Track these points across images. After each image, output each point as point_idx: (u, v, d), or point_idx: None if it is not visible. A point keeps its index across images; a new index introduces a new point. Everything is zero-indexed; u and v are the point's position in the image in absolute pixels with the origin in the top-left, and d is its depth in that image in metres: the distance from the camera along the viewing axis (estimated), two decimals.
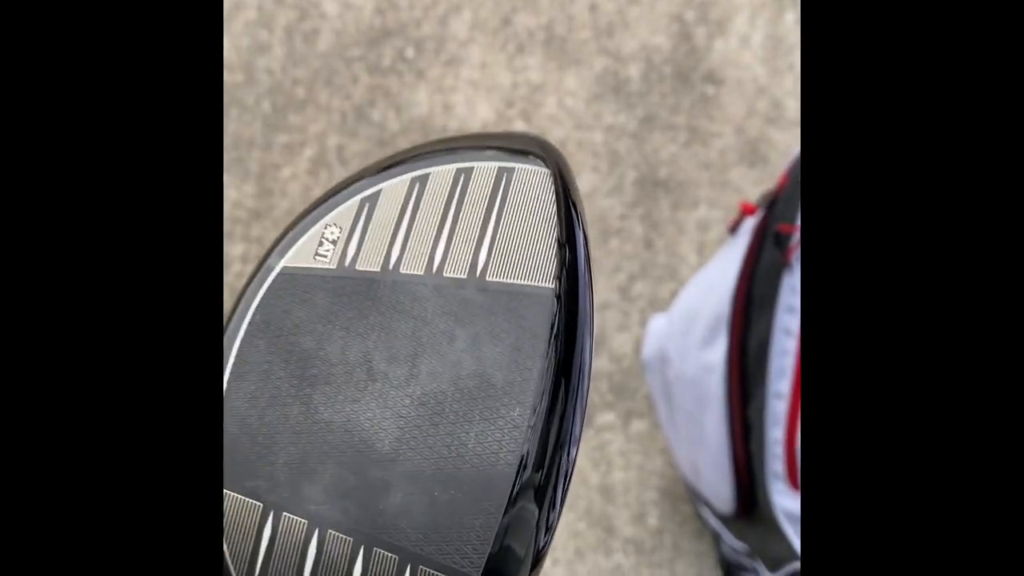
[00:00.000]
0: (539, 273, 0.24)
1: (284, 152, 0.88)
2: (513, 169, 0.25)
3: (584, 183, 0.84)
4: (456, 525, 0.22)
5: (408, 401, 0.23)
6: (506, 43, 0.89)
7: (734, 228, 0.58)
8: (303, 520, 0.23)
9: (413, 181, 0.26)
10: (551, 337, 0.23)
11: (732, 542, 0.64)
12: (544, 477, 0.22)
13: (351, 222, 0.25)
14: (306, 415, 0.23)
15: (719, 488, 0.59)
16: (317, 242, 0.25)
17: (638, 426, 0.78)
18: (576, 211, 0.25)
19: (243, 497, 0.23)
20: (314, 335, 0.24)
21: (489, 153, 0.26)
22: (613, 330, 0.80)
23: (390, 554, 0.22)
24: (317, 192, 0.26)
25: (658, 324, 0.66)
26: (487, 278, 0.24)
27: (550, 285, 0.24)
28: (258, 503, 0.23)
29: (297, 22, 0.91)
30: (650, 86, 0.86)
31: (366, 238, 0.25)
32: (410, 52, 0.90)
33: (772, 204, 0.53)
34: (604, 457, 0.78)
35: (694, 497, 0.70)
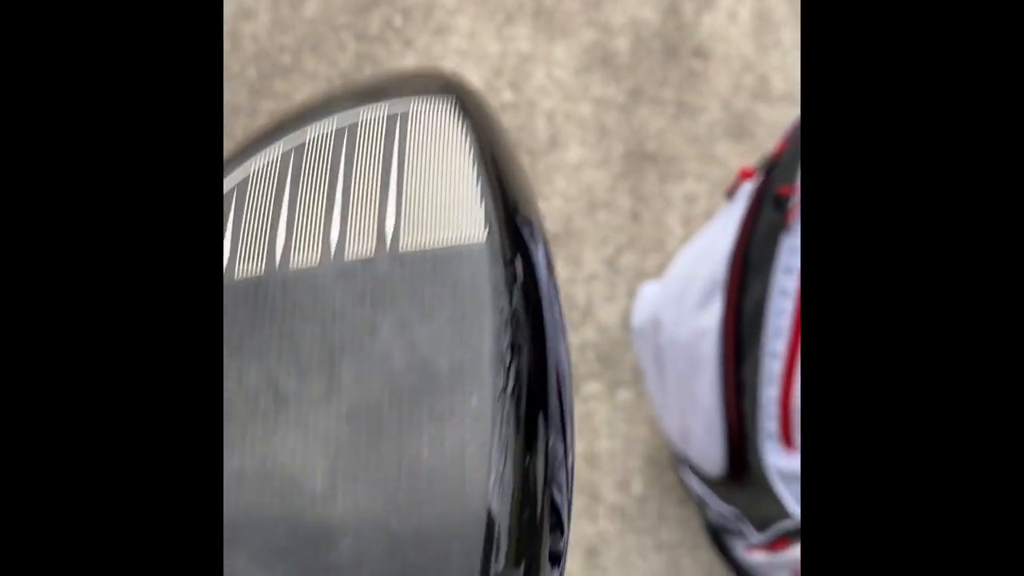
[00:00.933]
0: (463, 226, 0.20)
1: (270, 119, 0.87)
2: (407, 113, 0.21)
3: (572, 155, 0.85)
4: (428, 561, 0.17)
5: (334, 420, 0.18)
6: (495, 12, 0.89)
7: (731, 193, 0.59)
8: None
9: (286, 155, 0.21)
10: (494, 298, 0.19)
11: (718, 506, 0.66)
12: (535, 468, 0.18)
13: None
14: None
15: (710, 450, 0.60)
16: None
17: (624, 395, 0.79)
18: (496, 141, 0.21)
19: None
20: None
21: (374, 104, 0.21)
22: (600, 301, 0.81)
23: None
24: None
25: (651, 290, 0.67)
26: (400, 248, 0.20)
27: (480, 239, 0.20)
28: None
29: None
30: (638, 59, 0.87)
31: (240, 236, 0.20)
32: (398, 20, 0.90)
33: (771, 168, 0.54)
34: (590, 426, 0.79)
35: (679, 464, 0.71)
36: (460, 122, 0.21)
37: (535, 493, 0.18)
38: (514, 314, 0.19)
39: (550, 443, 0.19)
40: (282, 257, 0.20)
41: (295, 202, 0.21)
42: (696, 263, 0.60)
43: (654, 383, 0.67)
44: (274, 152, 0.21)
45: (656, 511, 0.76)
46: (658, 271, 0.80)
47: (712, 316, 0.57)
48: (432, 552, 0.17)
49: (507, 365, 0.19)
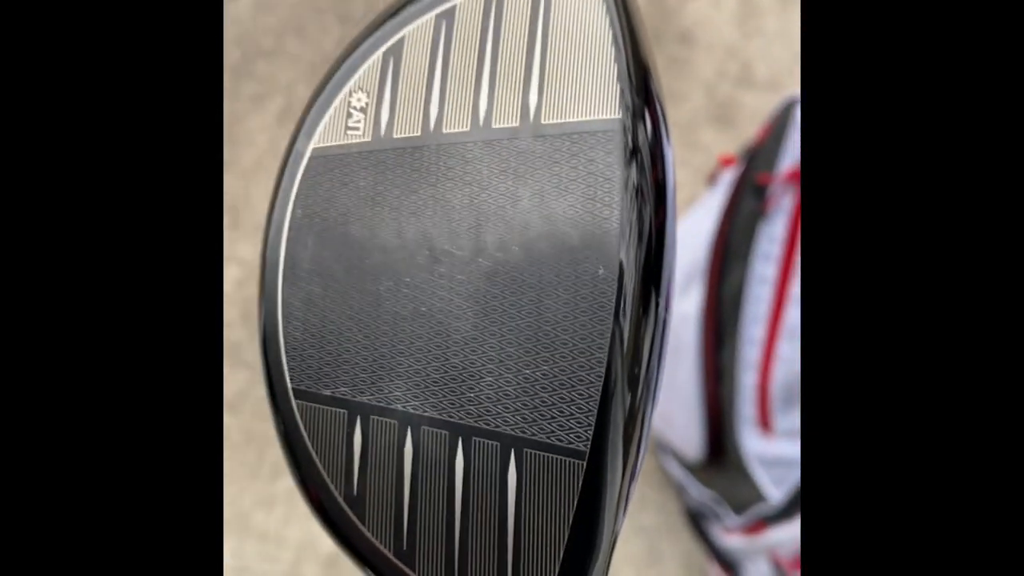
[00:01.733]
0: (601, 104, 0.21)
1: (252, 102, 0.86)
2: None
3: None
4: (555, 401, 0.21)
5: (479, 278, 0.21)
6: None
7: (712, 180, 0.59)
8: (392, 421, 0.21)
9: (439, 19, 0.22)
10: (629, 158, 0.20)
11: (697, 491, 0.66)
12: (644, 323, 0.20)
13: (377, 83, 0.22)
14: (373, 310, 0.22)
15: (690, 434, 0.61)
16: (345, 113, 0.23)
17: None
18: (633, 25, 0.22)
19: (326, 407, 0.22)
20: (364, 221, 0.22)
21: None
22: None
23: (490, 441, 0.21)
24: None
25: None
26: (543, 121, 0.21)
27: (616, 116, 0.21)
28: (342, 411, 0.22)
29: None
30: None
31: (398, 99, 0.22)
32: (381, 3, 0.89)
33: (752, 156, 0.54)
34: None
35: (659, 449, 0.72)
36: (601, 2, 0.22)
37: (644, 354, 0.21)
38: (641, 193, 0.21)
39: (659, 312, 0.21)
40: (436, 122, 0.22)
41: (447, 70, 0.22)
42: (677, 249, 0.60)
43: None
44: (426, 17, 0.23)
45: (636, 496, 0.77)
46: None
47: (692, 302, 0.57)
48: (558, 393, 0.21)
49: (631, 241, 0.20)
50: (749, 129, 0.83)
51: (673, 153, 0.22)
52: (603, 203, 0.21)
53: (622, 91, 0.21)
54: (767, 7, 0.87)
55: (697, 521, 0.70)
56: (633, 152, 0.21)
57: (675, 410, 0.62)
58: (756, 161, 0.54)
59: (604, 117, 0.21)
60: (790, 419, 0.54)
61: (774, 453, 0.55)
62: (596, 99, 0.21)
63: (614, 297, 0.20)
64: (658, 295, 0.21)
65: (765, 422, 0.55)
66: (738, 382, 0.55)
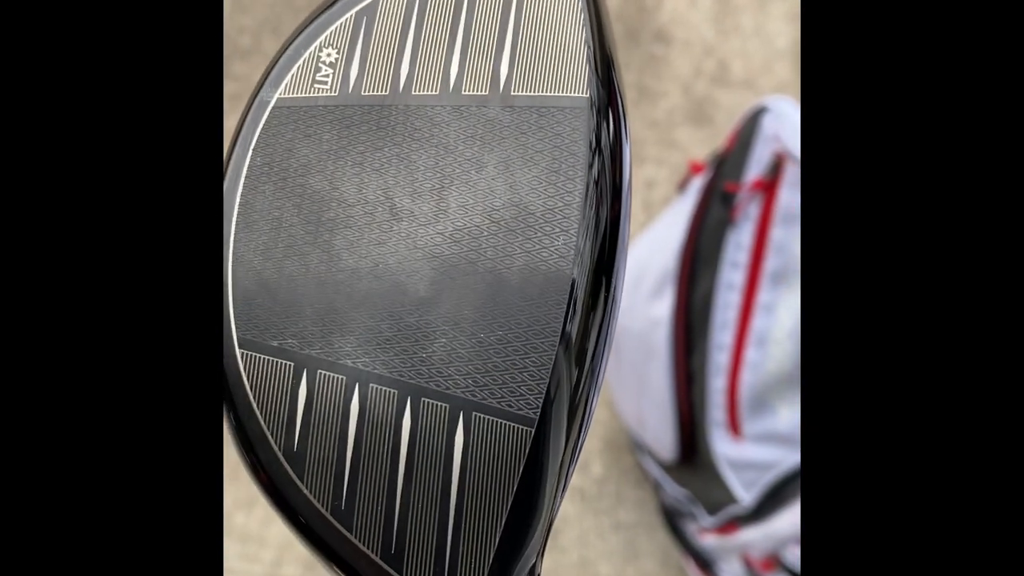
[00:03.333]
0: (570, 81, 0.22)
1: (229, 102, 0.86)
2: None
3: None
4: (508, 367, 0.21)
5: (440, 239, 0.21)
6: None
7: (682, 186, 0.60)
8: (340, 376, 0.21)
9: None
10: (591, 153, 0.21)
11: (673, 489, 0.67)
12: (595, 306, 0.21)
13: (348, 40, 0.22)
14: (328, 263, 0.21)
15: (662, 436, 0.61)
16: (313, 67, 0.22)
17: None
18: (601, 10, 0.23)
19: (271, 358, 0.21)
20: (325, 174, 0.22)
21: None
22: None
23: (440, 403, 0.21)
24: None
25: None
26: (512, 92, 0.22)
27: (584, 94, 0.22)
28: (288, 362, 0.21)
29: None
30: None
31: (368, 57, 0.22)
32: None
33: (720, 164, 0.55)
34: None
35: (637, 447, 0.73)
36: None
37: (592, 337, 0.21)
38: (602, 171, 0.21)
39: (608, 301, 0.21)
40: (405, 83, 0.22)
41: (420, 34, 0.22)
42: (650, 254, 0.60)
43: (611, 369, 0.68)
44: None
45: (614, 493, 0.78)
46: None
47: (664, 307, 0.58)
48: (511, 359, 0.21)
49: (590, 215, 0.21)
50: (725, 127, 0.83)
51: (631, 148, 0.23)
52: (567, 176, 0.21)
53: (590, 73, 0.22)
54: (743, 5, 0.87)
55: (673, 519, 0.71)
56: (597, 150, 0.21)
57: (648, 412, 0.62)
58: (724, 169, 0.54)
59: (572, 95, 0.22)
60: (759, 424, 0.55)
61: (744, 457, 0.56)
62: (565, 76, 0.22)
63: (571, 274, 0.21)
64: (608, 285, 0.21)
65: (734, 426, 0.56)
66: (708, 386, 0.56)
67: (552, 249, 0.21)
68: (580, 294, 0.21)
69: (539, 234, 0.21)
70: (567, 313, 0.21)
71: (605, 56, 0.22)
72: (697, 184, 0.57)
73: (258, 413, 0.21)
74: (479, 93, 0.22)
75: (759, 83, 0.85)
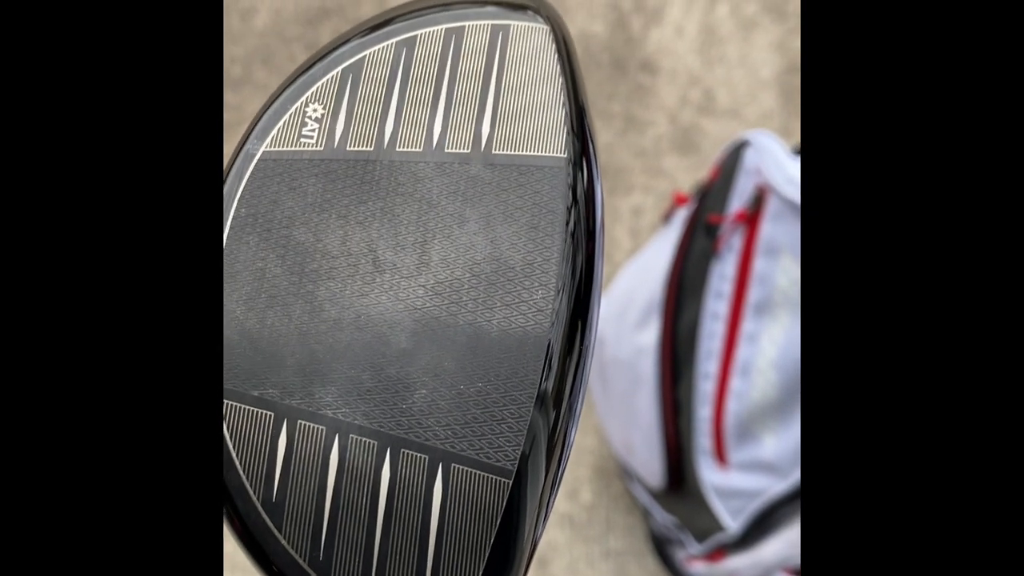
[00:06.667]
0: (549, 141, 0.23)
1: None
2: (508, 26, 0.24)
3: None
4: (487, 418, 0.21)
5: (422, 292, 0.22)
6: None
7: (667, 217, 0.61)
8: (321, 426, 0.21)
9: (399, 46, 0.23)
10: (569, 211, 0.22)
11: (662, 516, 0.67)
12: (571, 351, 0.21)
13: (334, 96, 0.23)
14: (311, 314, 0.22)
15: (650, 464, 0.62)
16: (300, 122, 0.23)
17: None
18: (576, 72, 0.23)
19: (251, 408, 0.21)
20: (309, 226, 0.22)
21: (480, 10, 0.24)
22: None
23: (419, 455, 0.21)
24: None
25: None
26: (493, 151, 0.23)
27: (562, 154, 0.22)
28: (269, 412, 0.21)
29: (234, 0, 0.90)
30: (587, 73, 0.88)
31: (354, 113, 0.23)
32: None
33: (704, 195, 0.56)
34: None
35: (625, 474, 0.73)
36: (552, 47, 0.24)
37: (569, 381, 0.22)
38: (578, 229, 0.22)
39: (587, 341, 0.22)
40: (390, 140, 0.23)
41: (404, 92, 0.23)
42: (635, 284, 0.61)
43: (600, 397, 0.68)
44: (387, 43, 0.24)
45: (604, 520, 0.78)
46: (606, 282, 0.81)
47: (650, 336, 0.58)
48: (490, 411, 0.21)
49: (568, 270, 0.22)
50: (711, 155, 0.84)
51: (602, 190, 0.23)
52: (545, 232, 0.22)
53: (567, 133, 0.23)
54: (729, 35, 0.89)
55: (662, 547, 0.71)
56: (574, 204, 0.22)
57: (636, 439, 0.63)
58: (707, 201, 0.55)
59: (551, 154, 0.23)
60: (744, 452, 0.55)
61: (730, 484, 0.56)
62: (544, 136, 0.23)
63: (548, 328, 0.21)
64: (585, 328, 0.22)
65: (721, 454, 0.56)
66: (695, 415, 0.56)
67: (531, 303, 0.21)
68: (556, 350, 0.21)
69: (518, 288, 0.22)
70: (543, 373, 0.21)
71: (579, 108, 0.23)
72: (682, 215, 0.57)
73: (237, 463, 0.21)
74: (461, 151, 0.23)
75: (744, 112, 0.86)
